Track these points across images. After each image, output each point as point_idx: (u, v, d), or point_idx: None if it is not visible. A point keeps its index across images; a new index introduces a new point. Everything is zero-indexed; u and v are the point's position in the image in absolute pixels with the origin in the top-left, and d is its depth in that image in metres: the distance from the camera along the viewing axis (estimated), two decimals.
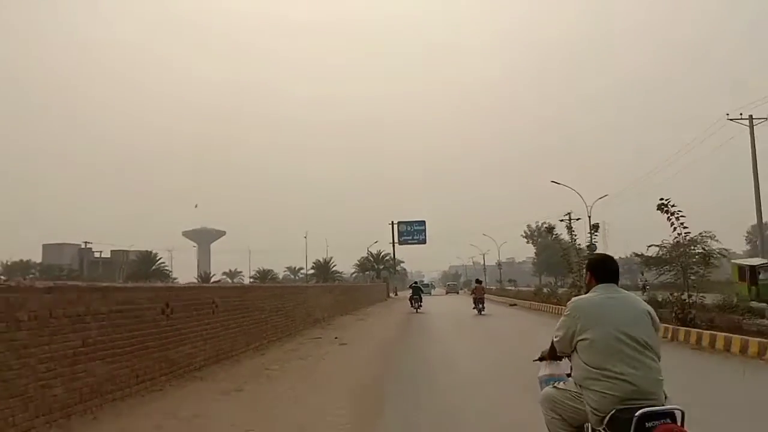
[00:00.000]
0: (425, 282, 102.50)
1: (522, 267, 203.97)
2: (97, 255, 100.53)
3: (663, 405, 2.96)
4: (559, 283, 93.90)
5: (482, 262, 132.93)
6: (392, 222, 73.93)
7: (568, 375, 3.47)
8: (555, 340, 3.43)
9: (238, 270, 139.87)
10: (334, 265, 74.15)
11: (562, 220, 70.82)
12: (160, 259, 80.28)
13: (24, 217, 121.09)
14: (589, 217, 29.10)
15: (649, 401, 2.95)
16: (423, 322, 25.76)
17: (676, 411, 2.90)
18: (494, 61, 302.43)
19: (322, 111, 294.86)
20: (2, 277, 68.10)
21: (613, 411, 2.95)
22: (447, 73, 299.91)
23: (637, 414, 2.80)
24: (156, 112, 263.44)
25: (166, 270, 78.88)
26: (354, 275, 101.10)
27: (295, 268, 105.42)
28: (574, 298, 3.45)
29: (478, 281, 32.68)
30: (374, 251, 73.26)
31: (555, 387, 3.48)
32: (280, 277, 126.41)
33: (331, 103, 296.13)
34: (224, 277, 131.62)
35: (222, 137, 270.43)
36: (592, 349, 3.12)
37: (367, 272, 74.05)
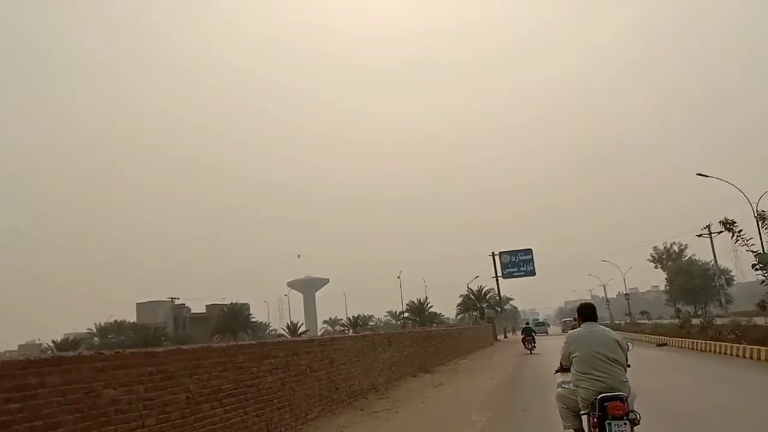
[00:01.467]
0: (539, 320, 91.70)
1: (646, 297, 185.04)
2: (194, 310, 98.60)
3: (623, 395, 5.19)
4: (699, 312, 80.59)
5: (603, 294, 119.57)
6: (493, 253, 65.22)
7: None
8: (561, 357, 5.97)
9: (338, 317, 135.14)
10: (431, 306, 66.19)
11: (701, 236, 59.76)
12: (246, 312, 75.74)
13: (120, 278, 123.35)
14: (759, 216, 19.76)
15: (615, 393, 5.20)
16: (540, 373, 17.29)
17: (622, 395, 5.17)
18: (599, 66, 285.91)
19: (408, 150, 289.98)
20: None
21: (594, 399, 5.26)
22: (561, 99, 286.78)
23: (598, 397, 5.21)
24: (253, 166, 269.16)
25: (253, 321, 74.09)
26: (459, 317, 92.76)
27: (396, 312, 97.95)
28: (568, 332, 6.18)
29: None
30: (475, 287, 64.64)
31: (563, 387, 5.92)
32: (381, 321, 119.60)
33: (415, 138, 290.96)
34: (325, 325, 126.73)
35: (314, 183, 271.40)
36: (579, 362, 5.51)
37: (469, 313, 65.28)
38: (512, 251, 65.83)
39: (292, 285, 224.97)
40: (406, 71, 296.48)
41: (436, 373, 20.19)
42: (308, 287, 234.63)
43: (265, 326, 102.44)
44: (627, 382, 5.38)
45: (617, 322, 72.82)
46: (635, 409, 5.24)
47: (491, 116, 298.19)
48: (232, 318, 71.81)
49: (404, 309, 65.60)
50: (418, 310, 64.55)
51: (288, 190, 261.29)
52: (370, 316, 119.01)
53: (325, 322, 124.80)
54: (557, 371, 6.25)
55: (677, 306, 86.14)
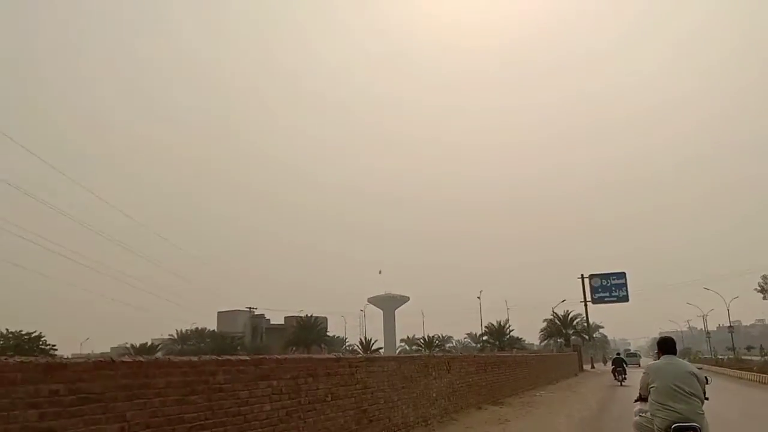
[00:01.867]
0: (631, 350, 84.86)
1: (750, 332, 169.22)
2: (273, 321, 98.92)
3: (697, 426, 5.53)
4: None
5: (703, 326, 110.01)
6: (582, 276, 60.50)
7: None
8: (640, 388, 6.42)
9: (417, 336, 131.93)
10: (511, 330, 61.81)
11: None
12: (321, 325, 74.32)
13: (207, 285, 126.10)
14: None
15: (689, 423, 5.57)
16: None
17: (696, 426, 5.52)
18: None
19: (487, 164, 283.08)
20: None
21: (669, 429, 5.60)
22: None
23: (672, 426, 5.58)
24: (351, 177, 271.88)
25: (329, 336, 72.45)
26: (543, 343, 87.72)
27: (476, 334, 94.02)
28: (648, 364, 6.58)
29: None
30: (562, 311, 60.01)
31: (640, 416, 6.30)
32: (461, 343, 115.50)
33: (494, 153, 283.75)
34: (402, 344, 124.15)
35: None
36: (657, 393, 5.88)
37: (553, 339, 60.63)
38: (604, 274, 60.85)
39: (373, 301, 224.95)
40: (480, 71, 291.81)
41: (505, 406, 17.21)
42: (388, 304, 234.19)
43: (342, 341, 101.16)
44: (703, 414, 5.76)
45: (720, 356, 65.87)
46: None
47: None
48: (307, 330, 70.56)
49: (483, 331, 61.78)
50: (498, 333, 60.55)
51: (385, 199, 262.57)
52: (449, 337, 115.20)
53: (402, 340, 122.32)
54: (636, 400, 6.67)
55: None
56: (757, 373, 32.95)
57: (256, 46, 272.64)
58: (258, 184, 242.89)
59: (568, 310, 60.10)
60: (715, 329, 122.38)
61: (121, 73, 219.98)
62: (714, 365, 49.45)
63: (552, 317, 59.58)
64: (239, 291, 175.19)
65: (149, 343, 75.69)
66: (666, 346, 6.32)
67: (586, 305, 59.36)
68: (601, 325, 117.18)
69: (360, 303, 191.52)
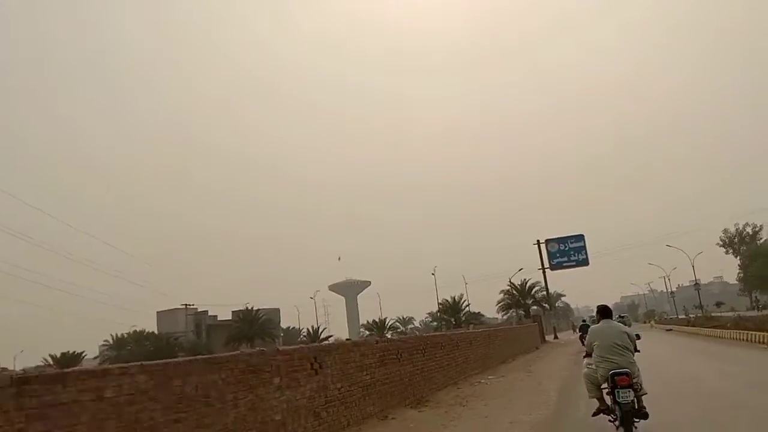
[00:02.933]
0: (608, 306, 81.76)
1: (709, 289, 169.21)
2: (221, 317, 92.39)
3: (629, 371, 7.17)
4: None
5: (665, 287, 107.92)
6: (538, 241, 56.28)
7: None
8: (585, 346, 8.16)
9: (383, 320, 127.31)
10: (467, 305, 57.17)
11: None
12: (264, 317, 68.53)
13: (148, 284, 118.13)
14: None
15: (622, 370, 7.15)
16: None
17: (628, 371, 7.10)
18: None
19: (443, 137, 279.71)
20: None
21: (608, 375, 7.23)
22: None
23: (610, 372, 7.21)
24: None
25: (284, 328, 66.74)
26: (505, 316, 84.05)
27: (436, 312, 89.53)
28: (591, 327, 8.11)
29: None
30: (519, 281, 55.65)
31: (587, 368, 7.97)
32: (424, 323, 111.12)
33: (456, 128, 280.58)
34: (363, 330, 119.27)
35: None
36: (599, 349, 7.50)
37: (513, 311, 56.24)
38: (561, 238, 56.78)
39: (334, 288, 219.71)
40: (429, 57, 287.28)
41: (429, 407, 12.13)
42: (349, 290, 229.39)
43: (297, 332, 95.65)
44: (634, 362, 7.49)
45: (690, 315, 62.83)
46: (640, 382, 7.35)
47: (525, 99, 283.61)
48: (249, 324, 64.74)
49: (438, 309, 56.87)
50: (453, 310, 55.97)
51: (326, 186, 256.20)
52: (410, 318, 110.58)
53: (362, 326, 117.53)
54: (585, 356, 8.31)
55: (754, 295, 75.30)
56: (732, 329, 29.04)
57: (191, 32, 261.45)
58: (205, 178, 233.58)
59: (525, 279, 55.90)
60: (677, 288, 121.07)
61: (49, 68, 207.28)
62: (685, 325, 46.06)
63: (509, 287, 55.23)
64: (189, 289, 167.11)
65: (77, 352, 68.81)
66: (604, 312, 8.03)
67: (544, 272, 55.21)
68: (562, 293, 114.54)
69: (322, 291, 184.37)
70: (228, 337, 64.04)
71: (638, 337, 8.42)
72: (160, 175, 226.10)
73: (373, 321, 61.56)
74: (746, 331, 25.69)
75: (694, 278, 64.09)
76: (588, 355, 7.99)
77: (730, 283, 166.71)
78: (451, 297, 57.15)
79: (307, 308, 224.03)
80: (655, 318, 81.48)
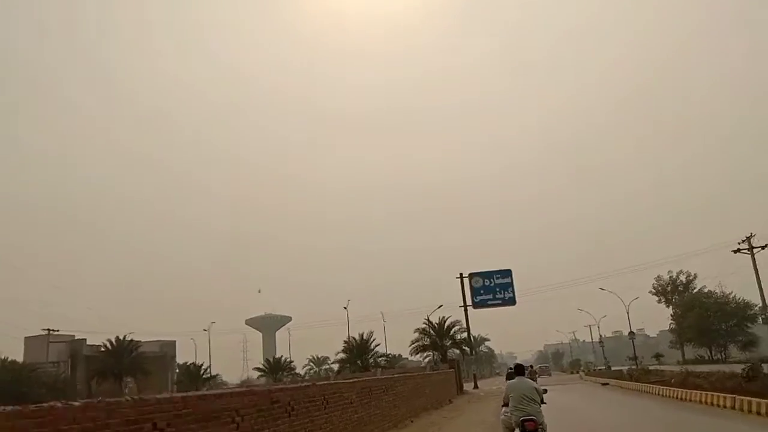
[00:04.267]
0: (523, 364, 75.51)
1: (649, 342, 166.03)
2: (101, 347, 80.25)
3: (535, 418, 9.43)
4: (716, 356, 65.06)
5: (590, 338, 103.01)
6: (461, 274, 49.40)
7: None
8: (504, 397, 10.56)
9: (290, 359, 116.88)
10: (376, 344, 49.08)
11: (739, 251, 44.17)
12: (138, 348, 58.16)
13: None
14: None
15: (530, 417, 9.39)
16: None
17: (534, 419, 9.37)
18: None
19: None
20: None
21: (520, 420, 9.45)
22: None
23: (521, 419, 9.46)
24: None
25: (144, 365, 56.40)
26: (426, 359, 76.79)
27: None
28: (507, 382, 10.77)
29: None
30: (437, 319, 48.20)
31: (504, 415, 10.56)
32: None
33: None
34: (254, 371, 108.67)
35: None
36: (513, 400, 9.74)
37: (429, 354, 48.68)
38: (486, 272, 50.09)
39: (251, 323, 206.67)
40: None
41: None
42: (268, 325, 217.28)
43: (197, 368, 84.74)
44: (540, 411, 9.65)
45: (620, 368, 57.00)
46: (544, 427, 9.62)
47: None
48: (117, 356, 54.36)
49: (342, 349, 48.55)
50: (360, 350, 47.71)
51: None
52: (325, 358, 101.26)
53: (256, 368, 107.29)
54: (503, 406, 10.80)
55: (683, 348, 71.06)
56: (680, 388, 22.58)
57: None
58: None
59: (444, 317, 48.53)
60: (611, 335, 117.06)
61: None
62: (619, 378, 39.88)
63: (425, 326, 47.69)
64: (82, 314, 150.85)
65: None
66: (519, 370, 10.60)
67: (466, 310, 48.14)
68: (486, 337, 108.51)
69: (239, 324, 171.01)
70: (92, 371, 53.49)
71: (545, 391, 10.34)
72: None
73: (266, 360, 52.39)
74: (721, 394, 19.12)
75: (628, 326, 58.63)
76: (505, 404, 10.41)
77: (651, 336, 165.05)
78: (359, 334, 49.14)
79: (226, 341, 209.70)
80: (583, 368, 76.07)
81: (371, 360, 47.14)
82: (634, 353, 56.37)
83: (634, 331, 59.56)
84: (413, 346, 47.40)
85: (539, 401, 9.68)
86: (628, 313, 59.09)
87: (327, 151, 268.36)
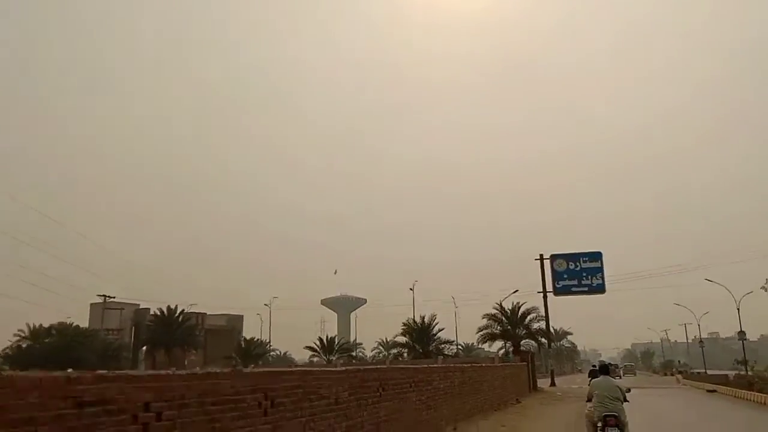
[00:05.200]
0: (609, 362, 67.98)
1: (729, 345, 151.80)
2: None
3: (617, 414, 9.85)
4: None
5: (686, 337, 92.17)
6: (542, 256, 43.18)
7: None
8: (588, 394, 10.72)
9: (359, 342, 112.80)
10: (441, 329, 43.42)
11: None
12: (189, 320, 55.53)
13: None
14: None
15: (612, 413, 9.79)
16: None
17: (616, 414, 9.77)
18: None
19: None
20: None
21: (602, 416, 9.87)
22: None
23: (603, 414, 9.86)
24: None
25: (195, 336, 53.74)
26: (499, 349, 70.67)
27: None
28: (591, 380, 10.96)
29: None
30: (510, 305, 42.20)
31: (588, 410, 10.74)
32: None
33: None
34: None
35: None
36: (597, 397, 10.08)
37: (501, 345, 42.77)
38: (572, 254, 43.55)
39: (327, 303, 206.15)
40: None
41: None
42: (343, 306, 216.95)
43: (263, 343, 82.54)
44: (623, 408, 10.02)
45: (719, 372, 49.04)
46: (626, 423, 9.93)
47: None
48: (166, 328, 51.82)
49: (401, 331, 43.37)
50: (421, 334, 42.38)
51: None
52: (393, 341, 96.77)
53: (307, 347, 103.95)
54: (587, 400, 10.92)
55: None
56: None
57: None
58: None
59: (518, 302, 42.36)
60: (692, 340, 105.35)
61: None
62: (725, 384, 32.82)
63: (496, 311, 41.81)
64: (163, 286, 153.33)
65: None
66: (603, 369, 11.10)
67: (545, 297, 41.87)
68: (569, 330, 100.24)
69: (315, 304, 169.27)
70: (141, 341, 51.28)
71: (629, 390, 10.70)
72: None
73: (320, 339, 48.16)
74: None
75: (732, 326, 50.28)
76: (589, 399, 10.70)
77: (751, 339, 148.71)
78: (421, 317, 43.91)
79: (261, 317, 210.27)
80: (678, 370, 67.45)
81: (432, 347, 41.95)
82: (744, 356, 48.09)
83: (739, 333, 51.07)
84: (481, 333, 41.56)
85: (622, 399, 10.19)
86: (738, 309, 50.62)
87: (405, 122, 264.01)
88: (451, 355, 43.65)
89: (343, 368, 10.05)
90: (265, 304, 69.18)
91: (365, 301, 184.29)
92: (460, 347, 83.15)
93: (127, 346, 57.57)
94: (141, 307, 75.57)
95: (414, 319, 44.43)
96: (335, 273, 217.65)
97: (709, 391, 33.50)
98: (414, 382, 12.64)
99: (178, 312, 54.38)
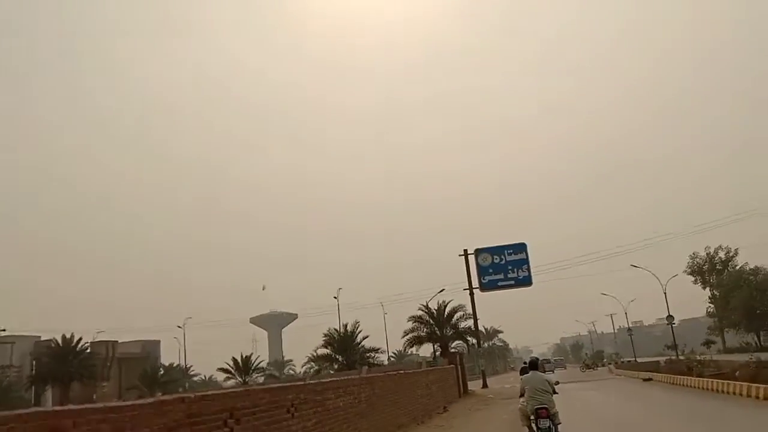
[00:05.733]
0: (537, 357, 66.60)
1: (652, 332, 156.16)
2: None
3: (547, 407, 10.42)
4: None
5: (613, 327, 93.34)
6: (465, 251, 41.00)
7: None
8: (520, 389, 11.18)
9: (288, 359, 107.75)
10: (365, 337, 40.03)
11: None
12: (86, 349, 50.08)
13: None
14: None
15: (543, 405, 10.37)
16: None
17: (547, 407, 10.34)
18: None
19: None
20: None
21: (534, 409, 10.44)
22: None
23: (535, 407, 10.42)
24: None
25: (92, 366, 48.26)
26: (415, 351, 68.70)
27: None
28: (522, 376, 11.30)
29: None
30: (436, 305, 39.58)
31: (521, 404, 11.22)
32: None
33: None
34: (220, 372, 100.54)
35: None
36: (528, 391, 10.64)
37: (427, 347, 40.12)
38: (496, 248, 41.53)
39: (256, 321, 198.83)
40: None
41: None
42: (274, 323, 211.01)
43: (183, 371, 76.85)
44: (552, 400, 10.56)
45: (649, 359, 48.50)
46: (556, 413, 10.45)
47: None
48: (61, 359, 46.25)
49: (322, 343, 39.73)
50: (342, 345, 38.87)
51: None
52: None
53: (219, 369, 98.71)
54: (520, 396, 11.33)
55: (723, 334, 62.09)
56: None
57: None
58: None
59: (444, 302, 39.85)
60: (617, 330, 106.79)
61: None
62: (657, 372, 31.64)
63: (422, 312, 39.14)
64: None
65: None
66: (533, 364, 11.23)
67: (471, 293, 39.58)
68: (499, 329, 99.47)
69: (244, 322, 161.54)
70: (31, 377, 45.57)
71: (557, 383, 11.37)
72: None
73: (233, 360, 43.70)
74: None
75: (658, 312, 49.72)
76: (522, 395, 11.09)
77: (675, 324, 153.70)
78: (344, 325, 40.60)
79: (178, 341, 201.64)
80: (608, 361, 67.13)
81: (357, 357, 38.81)
82: (674, 341, 47.42)
83: (668, 317, 50.60)
84: (407, 337, 38.84)
85: (552, 392, 10.70)
86: (665, 293, 50.25)
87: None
88: (377, 364, 40.61)
89: (153, 399, 6.70)
90: (179, 326, 64.02)
91: (296, 316, 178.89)
92: (393, 355, 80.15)
93: (21, 384, 51.32)
94: (43, 338, 68.74)
95: (336, 329, 41.11)
96: (263, 289, 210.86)
97: (645, 380, 32.02)
98: (294, 405, 9.51)
99: (75, 342, 48.73)
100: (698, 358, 34.72)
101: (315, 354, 39.90)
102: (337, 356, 39.09)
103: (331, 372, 39.14)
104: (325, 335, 39.87)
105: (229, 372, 43.95)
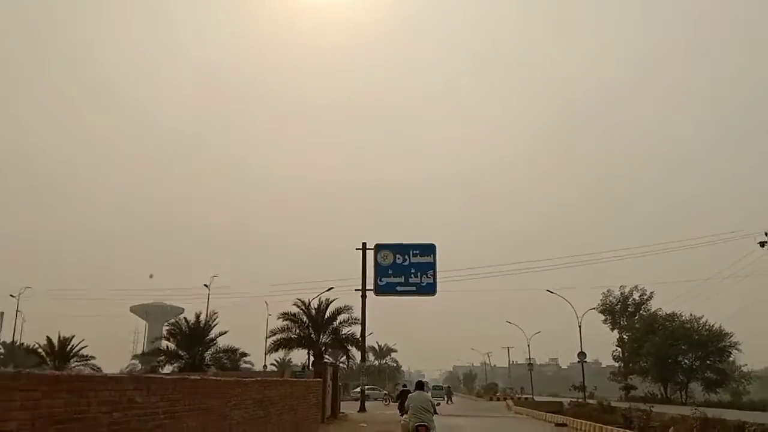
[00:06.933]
0: (428, 382, 59.68)
1: (544, 371, 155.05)
2: None
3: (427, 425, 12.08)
4: (675, 395, 51.93)
5: (509, 359, 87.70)
6: (364, 245, 33.83)
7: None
8: (404, 407, 14.18)
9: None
10: (222, 333, 31.92)
11: (765, 243, 28.50)
12: None
13: None
14: None
15: (423, 423, 12.00)
16: None
17: (427, 425, 11.98)
18: None
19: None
20: None
21: (415, 426, 12.04)
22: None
23: (416, 424, 12.01)
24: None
25: None
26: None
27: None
28: (409, 394, 13.43)
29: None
30: (321, 305, 31.81)
31: (403, 421, 13.79)
32: None
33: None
34: (134, 361, 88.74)
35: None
36: (411, 409, 12.28)
37: (296, 353, 32.22)
38: (400, 245, 34.75)
39: (136, 311, 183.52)
40: None
41: None
42: (158, 314, 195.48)
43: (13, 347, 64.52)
44: (433, 420, 12.05)
45: (553, 400, 43.05)
46: (434, 428, 11.95)
47: None
48: None
49: (163, 335, 31.29)
50: (188, 340, 30.02)
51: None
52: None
53: (135, 357, 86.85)
54: (402, 414, 13.37)
55: (628, 379, 57.86)
56: None
57: None
58: None
59: (327, 299, 32.11)
60: (511, 364, 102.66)
61: None
62: (560, 413, 25.66)
63: (299, 309, 31.08)
64: None
65: None
66: (419, 385, 13.38)
67: (364, 295, 32.36)
68: (394, 347, 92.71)
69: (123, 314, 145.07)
70: None
71: (438, 404, 13.33)
72: None
73: (48, 339, 34.07)
74: None
75: (580, 347, 44.40)
76: (405, 412, 12.73)
77: (563, 367, 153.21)
78: (195, 315, 31.92)
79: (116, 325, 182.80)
80: (507, 395, 61.15)
81: (209, 355, 30.47)
82: (583, 381, 42.22)
83: (579, 353, 45.55)
84: (273, 339, 30.61)
85: (432, 411, 12.26)
86: (580, 327, 45.05)
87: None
88: (229, 368, 32.20)
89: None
90: (12, 295, 52.77)
91: (183, 310, 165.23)
92: (275, 363, 71.31)
93: None
94: None
95: (185, 318, 32.59)
96: (150, 277, 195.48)
97: (558, 424, 25.64)
98: None
99: None
100: (611, 404, 28.95)
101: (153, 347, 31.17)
102: (179, 351, 30.53)
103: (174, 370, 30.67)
104: (169, 325, 31.27)
105: (42, 357, 34.18)
